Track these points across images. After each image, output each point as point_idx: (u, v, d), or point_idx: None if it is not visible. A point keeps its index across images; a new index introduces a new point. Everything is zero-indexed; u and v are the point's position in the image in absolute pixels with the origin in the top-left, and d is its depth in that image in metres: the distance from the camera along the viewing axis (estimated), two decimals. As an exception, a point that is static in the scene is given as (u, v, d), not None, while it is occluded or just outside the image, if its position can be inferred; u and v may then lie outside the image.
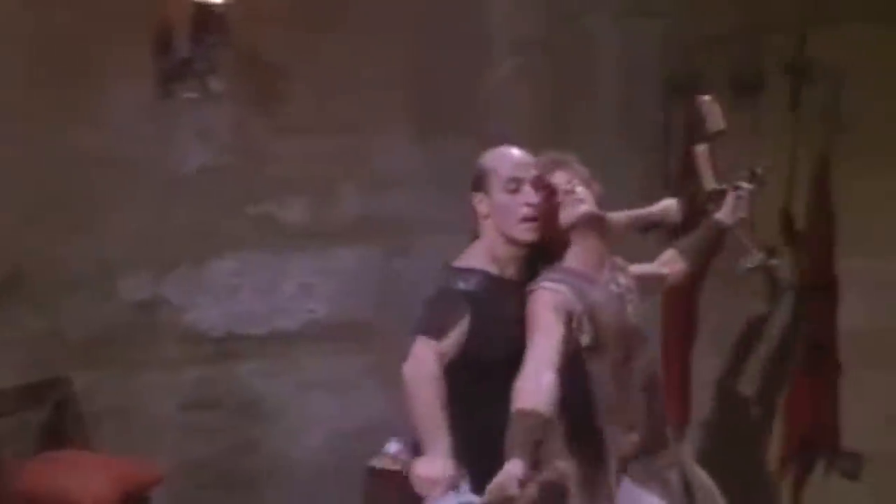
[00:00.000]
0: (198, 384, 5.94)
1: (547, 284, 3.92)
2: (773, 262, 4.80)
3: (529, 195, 3.99)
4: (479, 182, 4.10)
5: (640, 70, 6.67)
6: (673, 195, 6.47)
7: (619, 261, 4.20)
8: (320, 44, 6.02)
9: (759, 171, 4.59)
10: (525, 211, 3.97)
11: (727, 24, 6.13)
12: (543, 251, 4.06)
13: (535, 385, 3.64)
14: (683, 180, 6.53)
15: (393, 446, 4.22)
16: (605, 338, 3.93)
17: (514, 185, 4.00)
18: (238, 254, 5.99)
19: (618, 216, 4.57)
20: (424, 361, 3.84)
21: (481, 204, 4.07)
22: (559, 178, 4.04)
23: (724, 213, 4.47)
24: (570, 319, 3.86)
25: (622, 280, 4.11)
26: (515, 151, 4.11)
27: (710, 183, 4.52)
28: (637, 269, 4.29)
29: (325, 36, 6.03)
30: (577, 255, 4.02)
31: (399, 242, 6.26)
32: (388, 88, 6.16)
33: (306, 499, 6.09)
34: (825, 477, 5.93)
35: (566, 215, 4.00)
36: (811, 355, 5.87)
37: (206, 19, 5.66)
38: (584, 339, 3.90)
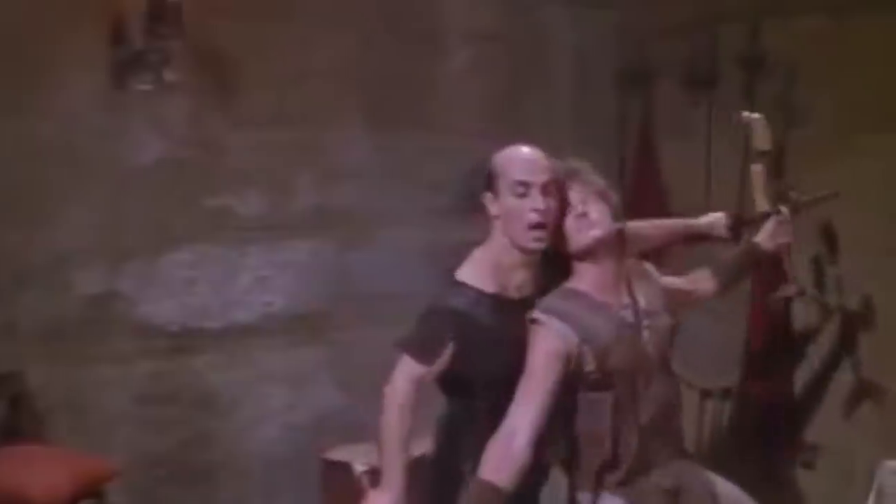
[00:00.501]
0: (153, 378, 5.88)
1: (545, 320, 3.75)
2: (811, 293, 4.67)
3: (538, 201, 3.80)
4: (490, 182, 3.92)
5: (595, 61, 6.71)
6: (628, 185, 6.59)
7: (648, 269, 4.07)
8: (274, 35, 6.00)
9: (793, 195, 4.51)
10: (532, 217, 3.80)
11: (681, 16, 6.15)
12: (557, 261, 3.92)
13: (505, 452, 3.57)
14: (638, 174, 6.60)
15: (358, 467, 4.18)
16: (609, 372, 3.77)
17: (523, 189, 3.81)
18: (193, 247, 5.95)
19: (658, 224, 4.51)
20: (400, 388, 3.82)
21: (492, 204, 3.91)
22: (572, 198, 3.87)
23: (763, 238, 4.32)
24: (569, 360, 3.72)
25: (642, 301, 3.91)
26: (526, 152, 3.92)
27: (762, 204, 4.43)
28: (666, 281, 4.11)
29: (280, 27, 6.00)
30: (588, 275, 3.87)
31: (354, 234, 6.27)
32: (343, 80, 6.16)
33: (262, 491, 6.08)
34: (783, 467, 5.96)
35: (578, 240, 3.84)
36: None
37: (160, 10, 5.62)
38: (587, 374, 3.77)
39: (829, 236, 5.57)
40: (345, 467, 5.71)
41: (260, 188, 6.08)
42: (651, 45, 6.42)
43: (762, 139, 4.48)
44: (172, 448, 5.92)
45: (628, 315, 3.86)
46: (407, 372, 3.82)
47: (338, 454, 5.81)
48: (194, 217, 5.93)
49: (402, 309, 6.27)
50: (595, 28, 6.67)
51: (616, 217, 3.91)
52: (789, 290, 4.54)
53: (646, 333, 3.87)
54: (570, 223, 3.86)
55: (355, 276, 6.25)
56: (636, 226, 4.22)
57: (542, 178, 3.84)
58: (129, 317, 5.83)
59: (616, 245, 3.90)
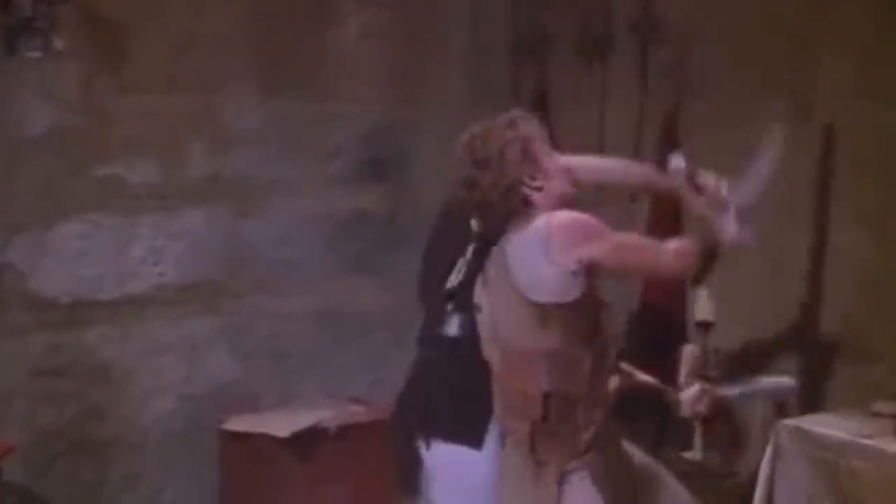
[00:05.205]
0: (46, 351, 5.83)
1: None
2: (714, 460, 4.65)
3: None
4: None
5: (489, 28, 6.70)
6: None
7: None
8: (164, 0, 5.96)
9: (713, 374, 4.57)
10: None
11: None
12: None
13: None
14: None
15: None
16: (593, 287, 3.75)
17: None
18: (84, 217, 5.88)
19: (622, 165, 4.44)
20: None
21: None
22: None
23: (684, 402, 4.40)
24: None
25: None
26: None
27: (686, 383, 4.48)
28: None
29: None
30: None
31: (249, 203, 6.23)
32: (235, 46, 6.11)
33: (159, 464, 6.04)
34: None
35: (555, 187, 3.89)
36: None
37: (48, -24, 5.54)
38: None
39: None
40: (242, 438, 5.75)
41: (152, 156, 6.01)
42: (545, 12, 6.42)
43: (701, 310, 4.49)
44: (68, 422, 5.86)
45: None
46: None
47: (235, 425, 5.80)
48: (85, 187, 5.86)
49: (297, 277, 6.33)
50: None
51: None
52: (695, 454, 4.61)
53: None
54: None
55: (250, 245, 6.22)
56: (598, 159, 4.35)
57: None
58: (21, 290, 5.76)
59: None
